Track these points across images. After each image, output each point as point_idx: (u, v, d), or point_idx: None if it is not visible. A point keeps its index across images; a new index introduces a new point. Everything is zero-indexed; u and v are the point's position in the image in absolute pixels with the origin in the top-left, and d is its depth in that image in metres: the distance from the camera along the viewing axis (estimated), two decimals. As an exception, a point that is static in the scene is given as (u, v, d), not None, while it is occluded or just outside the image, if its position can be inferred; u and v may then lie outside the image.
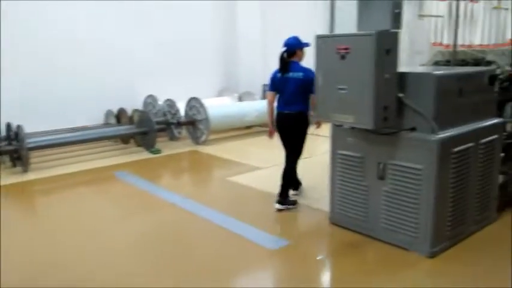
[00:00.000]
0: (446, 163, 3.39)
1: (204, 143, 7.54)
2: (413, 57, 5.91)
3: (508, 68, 4.02)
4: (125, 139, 7.64)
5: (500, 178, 4.36)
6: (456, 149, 3.44)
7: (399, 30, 3.32)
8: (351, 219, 3.94)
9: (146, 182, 5.64)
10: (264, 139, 8.09)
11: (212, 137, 7.93)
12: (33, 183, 5.76)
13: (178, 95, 7.77)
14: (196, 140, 7.63)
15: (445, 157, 3.36)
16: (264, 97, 9.17)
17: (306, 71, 4.29)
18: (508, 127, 4.03)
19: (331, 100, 3.50)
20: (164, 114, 7.77)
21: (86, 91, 7.77)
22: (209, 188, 5.64)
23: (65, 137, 6.67)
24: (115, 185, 5.63)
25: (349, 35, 3.28)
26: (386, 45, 3.20)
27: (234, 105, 8.50)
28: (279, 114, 4.42)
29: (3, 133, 6.53)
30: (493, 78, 3.81)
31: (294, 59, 4.40)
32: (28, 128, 6.37)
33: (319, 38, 3.48)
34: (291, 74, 4.33)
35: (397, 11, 3.28)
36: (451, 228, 3.57)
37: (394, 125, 3.44)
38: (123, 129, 7.30)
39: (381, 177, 3.63)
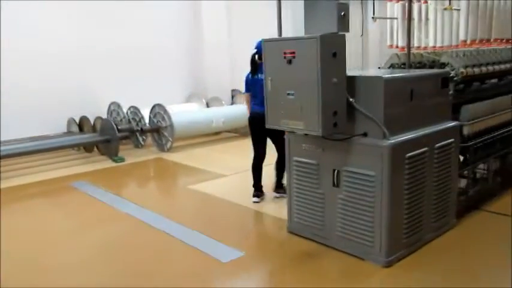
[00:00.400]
0: (399, 169, 3.29)
1: (170, 150, 7.36)
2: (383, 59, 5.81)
3: (462, 69, 3.93)
4: (88, 148, 7.41)
5: (463, 182, 4.32)
6: (409, 154, 3.34)
7: (345, 33, 3.20)
8: (308, 228, 3.82)
9: (104, 192, 5.45)
10: (231, 145, 8.06)
11: (179, 143, 7.76)
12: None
13: (145, 102, 7.56)
14: (161, 148, 7.45)
15: (397, 163, 3.26)
16: (232, 102, 9.03)
17: None
18: (465, 130, 3.94)
19: (281, 106, 3.37)
20: (129, 122, 7.57)
21: (47, 99, 7.53)
22: (168, 197, 5.47)
23: (23, 146, 6.42)
24: (72, 195, 5.43)
25: (294, 39, 3.16)
26: (332, 49, 3.08)
27: (200, 111, 8.34)
28: (254, 113, 4.51)
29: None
30: (446, 80, 3.73)
31: None
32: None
33: (266, 42, 3.35)
34: (260, 76, 4.41)
35: (343, 13, 3.16)
36: (407, 236, 3.47)
37: (346, 131, 3.32)
38: (85, 137, 7.09)
39: (336, 185, 3.51)
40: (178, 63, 9.23)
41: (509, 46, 4.77)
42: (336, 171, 3.49)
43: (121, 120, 7.65)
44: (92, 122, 7.38)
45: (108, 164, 6.85)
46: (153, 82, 8.71)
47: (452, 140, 3.79)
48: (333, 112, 3.17)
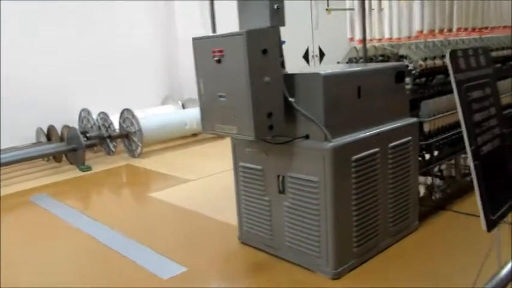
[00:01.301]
0: (345, 173, 3.03)
1: (140, 156, 7.12)
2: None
3: (421, 62, 3.66)
4: (57, 158, 7.17)
5: (429, 181, 4.05)
6: (356, 157, 3.07)
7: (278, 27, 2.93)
8: (258, 238, 3.57)
9: (61, 205, 5.22)
10: (208, 146, 7.82)
11: (152, 148, 7.54)
12: None
13: (120, 107, 7.30)
14: (132, 154, 7.20)
15: (342, 166, 3.00)
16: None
17: None
18: (426, 127, 3.67)
19: (214, 109, 3.11)
20: (99, 128, 7.33)
21: (16, 109, 7.29)
22: (125, 207, 5.21)
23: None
24: (26, 211, 5.18)
25: (221, 36, 2.90)
26: (262, 45, 2.81)
27: (173, 113, 8.08)
28: None
29: None
30: (400, 74, 3.46)
31: None
32: None
33: (195, 39, 3.08)
34: None
35: (276, 6, 2.89)
36: (359, 244, 3.20)
37: (288, 133, 3.07)
38: (51, 147, 6.85)
39: (281, 191, 3.25)
40: (153, 65, 8.99)
41: (477, 36, 4.49)
42: (280, 177, 3.23)
43: (91, 127, 7.41)
44: (60, 131, 7.13)
45: (75, 173, 6.61)
46: (127, 86, 8.48)
47: (409, 138, 3.52)
48: (267, 114, 2.91)
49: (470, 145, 1.95)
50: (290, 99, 3.05)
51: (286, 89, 3.05)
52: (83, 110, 7.70)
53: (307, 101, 3.02)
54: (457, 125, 4.03)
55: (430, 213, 3.93)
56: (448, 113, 3.89)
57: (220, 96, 3.02)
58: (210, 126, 3.20)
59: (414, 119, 3.61)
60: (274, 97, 2.94)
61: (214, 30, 3.23)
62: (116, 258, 3.67)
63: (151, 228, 4.29)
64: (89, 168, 6.63)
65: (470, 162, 1.94)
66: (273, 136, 3.06)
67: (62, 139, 7.07)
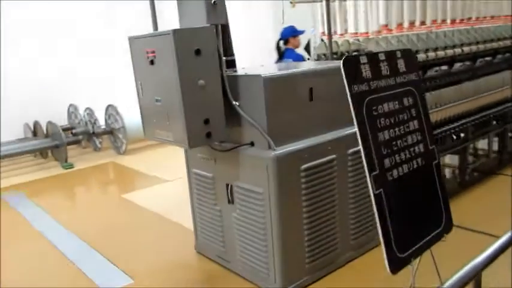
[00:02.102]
0: (293, 183, 2.77)
1: (125, 152, 6.95)
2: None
3: None
4: (43, 154, 7.07)
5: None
6: (306, 166, 2.80)
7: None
8: (212, 249, 3.36)
9: (31, 205, 5.10)
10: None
11: (139, 145, 7.36)
12: None
13: (111, 102, 7.10)
14: (117, 150, 7.04)
15: (288, 176, 2.74)
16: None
17: (298, 56, 5.18)
18: None
19: (152, 114, 2.88)
20: (86, 124, 7.19)
21: (5, 104, 7.19)
22: (93, 210, 5.02)
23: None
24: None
25: (153, 35, 2.65)
26: (195, 45, 2.55)
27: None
28: None
29: None
30: None
31: (289, 46, 5.26)
32: None
33: (130, 38, 2.85)
34: (284, 60, 5.10)
35: (213, 1, 2.63)
36: (312, 260, 2.95)
37: (235, 140, 2.83)
38: (35, 144, 6.73)
39: (230, 201, 3.02)
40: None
41: (461, 27, 4.14)
42: (229, 186, 3.00)
43: (79, 122, 7.27)
44: (44, 127, 7.01)
45: (57, 170, 6.49)
46: (118, 81, 8.27)
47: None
48: (204, 120, 2.66)
49: (371, 170, 1.66)
50: (234, 102, 2.79)
51: (231, 91, 2.79)
52: (71, 105, 7.56)
53: (250, 105, 2.77)
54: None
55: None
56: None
57: (156, 100, 2.79)
58: (151, 132, 2.97)
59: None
60: (212, 101, 2.69)
61: (155, 28, 2.98)
62: (64, 265, 3.53)
63: (112, 234, 4.12)
64: (71, 166, 6.50)
65: (370, 190, 1.65)
66: (220, 142, 2.82)
67: (47, 135, 6.95)
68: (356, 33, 3.76)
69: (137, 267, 3.39)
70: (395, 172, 1.79)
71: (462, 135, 4.16)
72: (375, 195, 1.66)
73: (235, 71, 2.87)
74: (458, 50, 3.89)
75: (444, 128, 3.82)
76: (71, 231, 4.20)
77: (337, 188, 3.03)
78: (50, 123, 6.91)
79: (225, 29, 2.77)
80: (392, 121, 1.82)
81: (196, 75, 2.59)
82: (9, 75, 7.22)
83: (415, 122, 1.94)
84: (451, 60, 3.90)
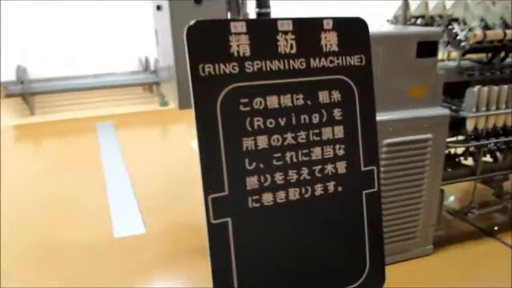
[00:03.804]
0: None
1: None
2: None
3: (478, 31, 2.53)
4: (150, 88, 7.42)
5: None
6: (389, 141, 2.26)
7: None
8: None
9: (111, 136, 5.39)
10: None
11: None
12: (21, 127, 5.96)
13: None
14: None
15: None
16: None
17: None
18: (469, 125, 2.60)
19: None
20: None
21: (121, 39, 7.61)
22: (161, 154, 5.02)
23: (83, 82, 6.75)
24: (85, 136, 5.48)
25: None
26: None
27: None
28: None
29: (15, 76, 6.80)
30: (425, 46, 2.47)
31: None
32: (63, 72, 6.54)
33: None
34: None
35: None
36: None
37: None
38: (140, 78, 7.06)
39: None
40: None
41: None
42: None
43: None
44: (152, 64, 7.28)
45: (154, 107, 6.78)
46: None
47: (427, 136, 2.50)
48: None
49: (208, 189, 1.10)
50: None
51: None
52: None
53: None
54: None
55: (465, 238, 2.89)
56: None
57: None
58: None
59: (444, 111, 2.54)
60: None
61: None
62: (97, 204, 3.57)
63: (161, 185, 4.06)
64: (165, 104, 6.68)
65: (204, 222, 1.12)
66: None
67: (154, 71, 7.21)
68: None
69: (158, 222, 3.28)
70: (266, 197, 1.22)
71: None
72: (211, 225, 1.15)
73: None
74: None
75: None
76: (128, 171, 4.28)
77: (427, 172, 2.46)
78: (156, 60, 7.11)
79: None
80: (283, 123, 1.23)
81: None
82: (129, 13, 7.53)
83: (337, 128, 1.29)
84: None
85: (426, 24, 3.00)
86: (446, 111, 2.55)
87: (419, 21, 3.05)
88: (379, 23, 2.99)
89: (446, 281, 2.54)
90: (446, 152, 2.79)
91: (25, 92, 6.36)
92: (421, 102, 2.54)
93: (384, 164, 2.43)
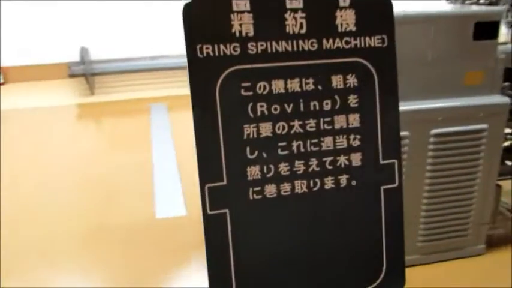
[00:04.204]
0: (418, 148, 2.19)
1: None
2: None
3: None
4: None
5: None
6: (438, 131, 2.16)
7: None
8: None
9: (163, 118, 5.50)
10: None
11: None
12: (81, 106, 6.22)
13: None
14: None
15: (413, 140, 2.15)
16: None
17: None
18: None
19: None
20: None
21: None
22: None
23: (133, 64, 6.92)
24: (139, 117, 5.63)
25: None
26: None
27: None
28: None
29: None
30: (483, 28, 2.28)
31: None
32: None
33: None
34: None
35: None
36: (426, 239, 2.39)
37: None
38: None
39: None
40: None
41: None
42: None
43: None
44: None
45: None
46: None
47: (482, 126, 2.31)
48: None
49: (204, 178, 1.03)
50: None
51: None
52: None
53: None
54: None
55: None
56: None
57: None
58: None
59: (503, 99, 2.33)
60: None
61: None
62: (142, 184, 3.63)
63: None
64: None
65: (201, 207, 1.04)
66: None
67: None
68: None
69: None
70: (269, 189, 1.13)
71: None
72: (208, 216, 1.08)
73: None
74: None
75: None
76: (176, 153, 4.34)
77: (481, 166, 2.30)
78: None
79: None
80: (289, 110, 1.12)
81: None
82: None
83: (352, 116, 1.16)
84: None
85: (491, 4, 2.75)
86: (506, 100, 2.32)
87: (482, 0, 2.81)
88: (435, 2, 2.77)
89: (494, 283, 2.34)
90: (507, 144, 2.57)
91: (86, 73, 6.61)
92: (476, 89, 2.33)
93: (432, 156, 2.28)
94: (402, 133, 2.18)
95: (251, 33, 1.10)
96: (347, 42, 1.16)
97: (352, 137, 1.19)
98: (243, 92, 1.10)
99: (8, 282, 2.56)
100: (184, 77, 4.90)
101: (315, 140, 1.16)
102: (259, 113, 1.12)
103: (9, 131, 5.24)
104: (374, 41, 1.17)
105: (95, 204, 3.44)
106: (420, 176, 2.33)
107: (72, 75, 6.74)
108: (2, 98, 6.69)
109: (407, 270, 2.43)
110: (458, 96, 2.34)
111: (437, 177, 2.34)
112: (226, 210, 1.12)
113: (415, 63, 2.20)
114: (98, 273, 2.59)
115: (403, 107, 2.23)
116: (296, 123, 1.15)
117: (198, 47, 1.06)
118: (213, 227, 1.11)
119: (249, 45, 1.10)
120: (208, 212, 1.12)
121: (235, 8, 1.07)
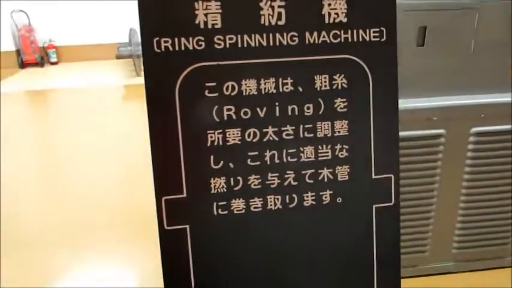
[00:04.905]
0: (455, 148, 2.04)
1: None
2: None
3: None
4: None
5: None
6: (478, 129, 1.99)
7: None
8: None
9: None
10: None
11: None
12: (127, 87, 6.34)
13: None
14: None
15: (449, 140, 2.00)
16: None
17: None
18: None
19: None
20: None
21: None
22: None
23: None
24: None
25: None
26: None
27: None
28: None
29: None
30: None
31: None
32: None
33: None
34: None
35: None
36: (461, 246, 2.33)
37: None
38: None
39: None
40: None
41: None
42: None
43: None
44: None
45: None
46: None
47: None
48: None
49: (161, 190, 0.89)
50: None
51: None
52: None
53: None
54: None
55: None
56: None
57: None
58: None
59: None
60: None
61: None
62: None
63: None
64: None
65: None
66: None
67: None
68: None
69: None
70: (237, 204, 0.98)
71: None
72: (164, 231, 0.95)
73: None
74: None
75: None
76: None
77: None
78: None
79: None
80: (262, 114, 0.96)
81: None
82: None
83: (339, 123, 0.98)
84: None
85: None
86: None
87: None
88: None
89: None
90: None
91: (133, 54, 6.67)
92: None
93: (471, 157, 2.05)
94: (437, 131, 1.97)
95: (218, 25, 0.93)
96: (336, 36, 0.97)
97: (338, 147, 1.01)
98: (207, 93, 0.95)
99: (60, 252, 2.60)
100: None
101: (293, 150, 1.00)
102: (226, 118, 0.96)
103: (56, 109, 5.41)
104: (370, 35, 0.97)
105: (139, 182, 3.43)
106: (457, 178, 2.12)
107: (119, 57, 6.82)
108: (55, 77, 6.93)
109: (440, 278, 2.25)
110: (503, 91, 2.09)
111: (476, 179, 2.11)
112: (187, 226, 0.99)
113: (454, 54, 1.97)
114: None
115: (438, 102, 2.01)
116: (270, 129, 0.98)
117: (155, 40, 0.92)
118: (171, 244, 0.99)
119: (216, 38, 0.94)
120: (166, 227, 0.99)
121: (202, -7, 0.91)
